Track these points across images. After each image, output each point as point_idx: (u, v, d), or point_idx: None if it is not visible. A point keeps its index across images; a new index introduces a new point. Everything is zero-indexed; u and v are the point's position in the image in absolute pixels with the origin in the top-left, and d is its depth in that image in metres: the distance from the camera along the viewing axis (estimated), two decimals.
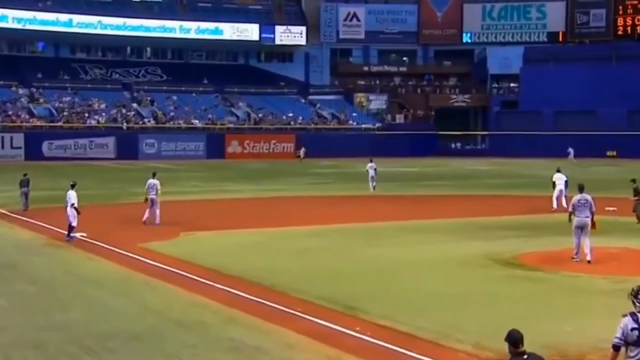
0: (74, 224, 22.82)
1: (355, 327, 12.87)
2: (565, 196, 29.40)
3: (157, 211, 26.08)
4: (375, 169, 41.55)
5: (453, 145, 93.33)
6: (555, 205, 30.12)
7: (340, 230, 25.41)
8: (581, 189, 19.05)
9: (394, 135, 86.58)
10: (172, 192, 40.28)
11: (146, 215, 26.04)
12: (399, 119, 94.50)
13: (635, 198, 26.17)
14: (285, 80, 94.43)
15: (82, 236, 23.35)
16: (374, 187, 40.78)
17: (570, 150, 68.33)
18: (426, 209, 32.10)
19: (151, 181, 26.60)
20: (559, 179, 30.96)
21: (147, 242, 22.31)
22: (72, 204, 22.78)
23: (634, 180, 26.66)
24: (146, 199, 26.29)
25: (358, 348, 11.89)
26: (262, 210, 31.95)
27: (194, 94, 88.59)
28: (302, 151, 78.06)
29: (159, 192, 26.42)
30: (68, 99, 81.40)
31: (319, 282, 16.70)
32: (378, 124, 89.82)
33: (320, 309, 14.34)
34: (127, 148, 74.94)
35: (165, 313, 14.09)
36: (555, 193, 30.63)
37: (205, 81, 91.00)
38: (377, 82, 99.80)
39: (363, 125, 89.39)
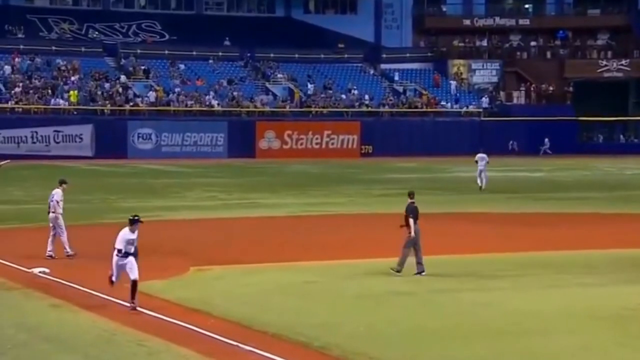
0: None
1: None
2: None
3: (49, 238, 26.06)
4: (487, 162, 48.31)
5: (602, 138, 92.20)
6: None
7: (427, 264, 25.28)
8: None
9: (509, 122, 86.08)
10: (177, 206, 40.71)
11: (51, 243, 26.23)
12: (518, 97, 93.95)
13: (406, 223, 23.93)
14: (345, 41, 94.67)
15: (42, 273, 23.68)
16: (481, 187, 47.44)
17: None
18: (559, 235, 31.77)
19: (53, 192, 26.65)
20: None
21: (139, 282, 22.49)
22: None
23: (411, 195, 24.72)
24: None
25: None
26: (311, 234, 31.96)
27: (210, 61, 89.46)
28: (546, 144, 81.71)
29: (59, 206, 26.11)
30: (22, 66, 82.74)
31: (395, 344, 16.61)
32: (485, 106, 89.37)
33: None
34: (111, 142, 76.00)
35: None
36: None
37: (227, 42, 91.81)
38: (485, 42, 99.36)
39: (463, 109, 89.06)
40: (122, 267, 19.80)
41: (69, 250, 26.06)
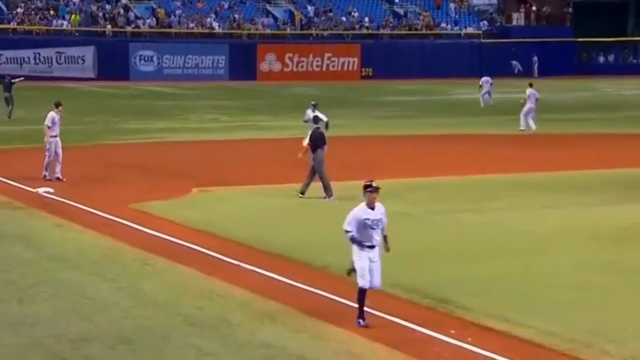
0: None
1: (449, 330, 12.91)
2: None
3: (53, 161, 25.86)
4: (491, 83, 52.00)
5: (601, 59, 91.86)
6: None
7: (426, 186, 25.36)
8: None
9: (508, 44, 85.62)
10: (179, 128, 40.74)
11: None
12: (517, 19, 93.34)
13: (308, 144, 23.99)
14: None
15: (46, 193, 23.77)
16: (485, 103, 51.11)
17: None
18: (555, 156, 31.81)
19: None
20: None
21: (143, 202, 22.59)
22: None
23: (315, 118, 24.75)
24: None
25: (454, 359, 11.94)
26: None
27: None
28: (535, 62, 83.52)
29: (48, 130, 25.80)
30: None
31: (395, 264, 16.67)
32: (485, 28, 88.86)
33: (397, 302, 14.38)
34: (113, 63, 75.70)
35: (170, 306, 14.30)
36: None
37: None
38: None
39: (463, 30, 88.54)
40: (372, 268, 13.28)
41: (45, 173, 25.67)
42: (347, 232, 13.38)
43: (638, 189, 24.82)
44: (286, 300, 14.49)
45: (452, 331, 12.89)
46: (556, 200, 23.32)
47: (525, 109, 39.83)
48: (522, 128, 39.54)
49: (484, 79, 53.04)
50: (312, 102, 29.04)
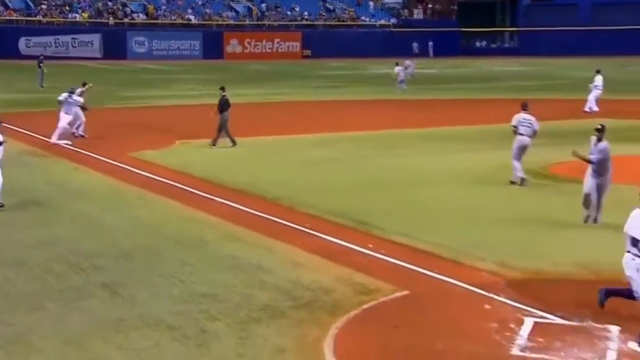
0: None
1: (367, 244, 12.98)
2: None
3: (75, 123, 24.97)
4: (406, 67, 46.96)
5: (478, 44, 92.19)
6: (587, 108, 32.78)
7: (350, 138, 25.37)
8: None
9: (411, 32, 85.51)
10: (165, 95, 40.24)
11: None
12: (417, 14, 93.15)
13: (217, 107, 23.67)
14: None
15: (66, 144, 23.41)
16: (399, 89, 43.35)
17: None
18: (446, 115, 31.99)
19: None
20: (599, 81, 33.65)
21: (138, 151, 22.35)
22: None
23: (222, 89, 24.37)
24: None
25: (371, 266, 11.99)
26: (265, 116, 31.84)
27: None
28: (430, 46, 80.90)
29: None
30: None
31: (327, 196, 16.75)
32: (393, 21, 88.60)
33: (329, 224, 14.42)
34: (115, 46, 74.33)
35: (159, 229, 14.20)
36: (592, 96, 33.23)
37: None
38: None
39: (378, 22, 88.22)
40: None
41: (74, 131, 24.82)
42: (637, 240, 8.73)
43: (507, 139, 25.01)
44: (247, 224, 14.47)
45: (370, 245, 12.98)
46: (446, 147, 23.48)
47: (399, 79, 43.84)
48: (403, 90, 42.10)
49: (406, 62, 48.52)
50: (70, 88, 25.47)
